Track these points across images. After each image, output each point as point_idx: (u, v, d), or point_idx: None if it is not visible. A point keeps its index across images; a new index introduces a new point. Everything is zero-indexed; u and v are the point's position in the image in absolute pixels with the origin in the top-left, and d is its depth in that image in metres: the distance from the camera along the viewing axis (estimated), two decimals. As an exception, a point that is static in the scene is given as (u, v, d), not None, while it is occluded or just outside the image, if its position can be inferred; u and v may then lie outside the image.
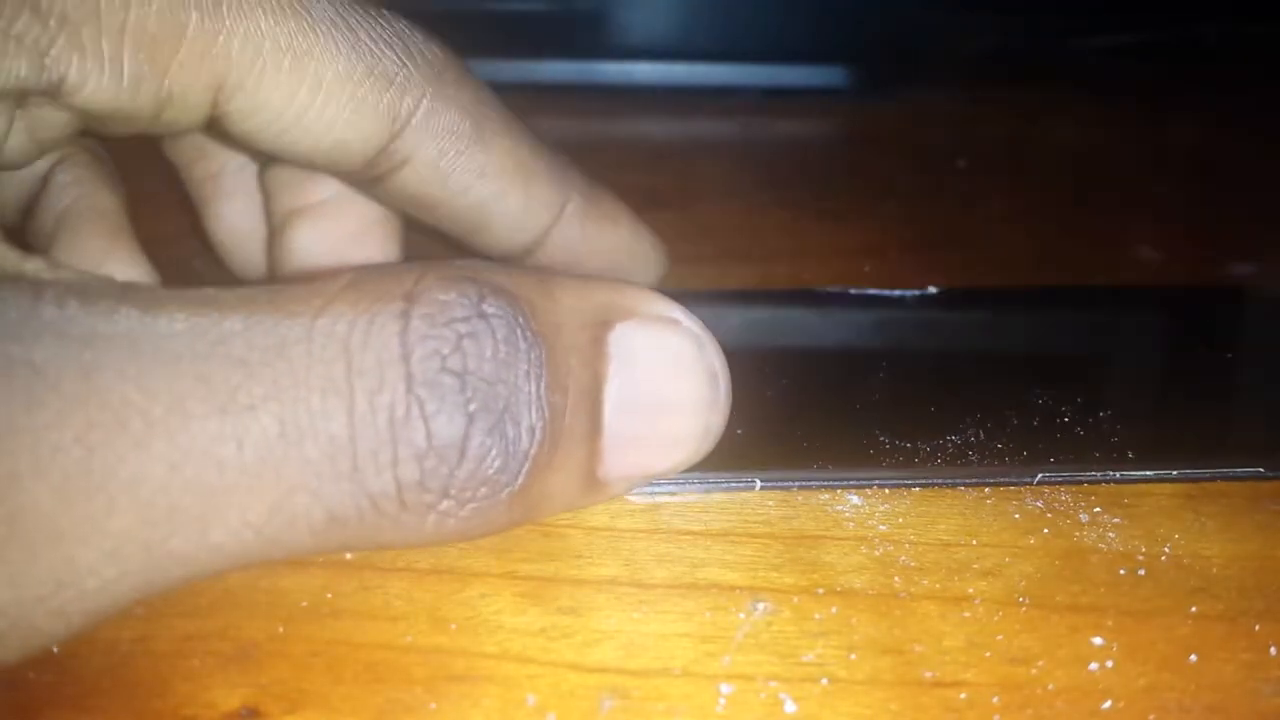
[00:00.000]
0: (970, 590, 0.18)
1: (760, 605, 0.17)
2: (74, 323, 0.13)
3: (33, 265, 0.14)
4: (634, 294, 0.17)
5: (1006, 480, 0.21)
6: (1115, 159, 0.40)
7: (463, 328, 0.14)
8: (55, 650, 0.16)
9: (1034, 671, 0.16)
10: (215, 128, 0.18)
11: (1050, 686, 0.16)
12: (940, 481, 0.20)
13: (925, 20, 0.46)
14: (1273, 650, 0.17)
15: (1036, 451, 0.21)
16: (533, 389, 0.15)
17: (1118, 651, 0.17)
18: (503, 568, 0.18)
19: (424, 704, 0.16)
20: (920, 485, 0.20)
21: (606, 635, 0.17)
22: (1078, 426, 0.22)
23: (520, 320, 0.15)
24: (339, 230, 0.22)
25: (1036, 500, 0.20)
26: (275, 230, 0.23)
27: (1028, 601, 0.18)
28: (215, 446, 0.13)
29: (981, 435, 0.21)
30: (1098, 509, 0.20)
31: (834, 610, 0.17)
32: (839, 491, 0.20)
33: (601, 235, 0.22)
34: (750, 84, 0.44)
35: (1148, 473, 0.21)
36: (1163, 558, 0.19)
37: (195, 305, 0.13)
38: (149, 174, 0.24)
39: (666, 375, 0.16)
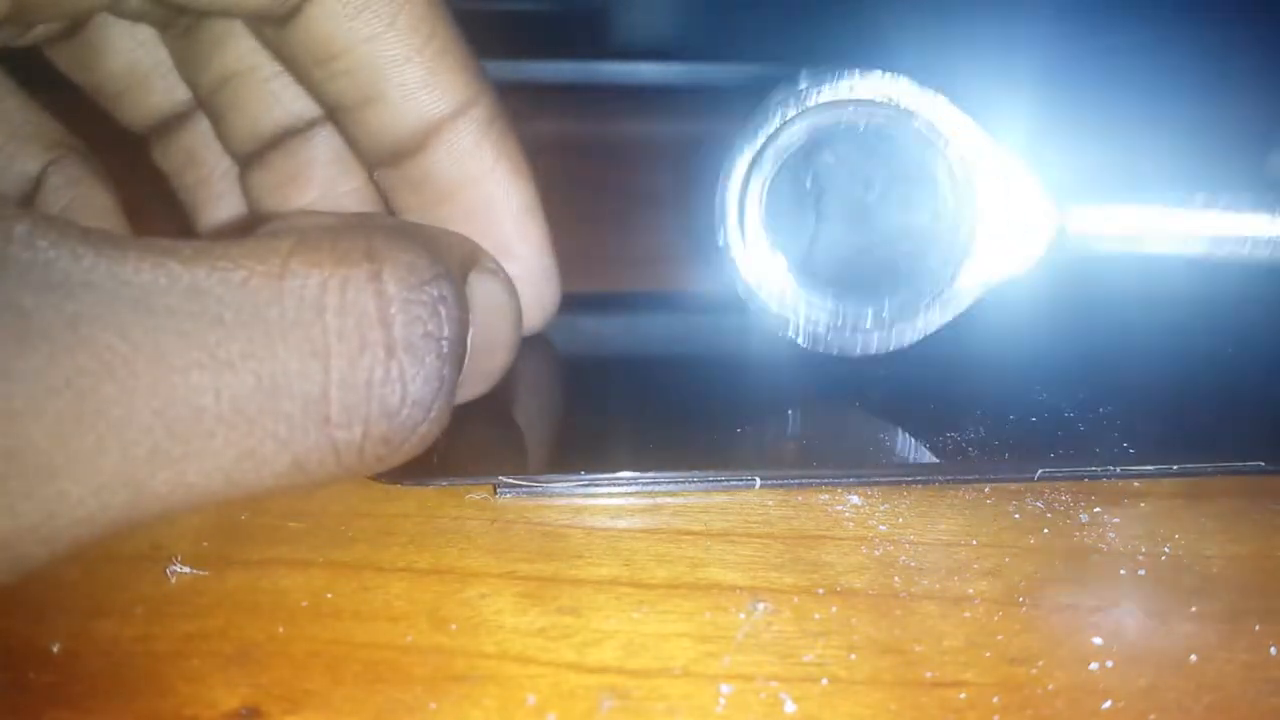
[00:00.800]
0: (970, 590, 0.18)
1: (760, 605, 0.17)
2: (51, 268, 0.13)
3: (4, 201, 0.14)
4: (471, 244, 0.19)
5: (1007, 477, 0.21)
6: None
7: (434, 291, 0.15)
8: (55, 650, 0.16)
9: (1034, 671, 0.16)
10: None
11: (1050, 686, 0.16)
12: (940, 479, 0.20)
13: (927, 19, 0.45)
14: (1273, 650, 0.17)
15: (1037, 448, 0.21)
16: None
17: (1118, 651, 0.17)
18: (503, 568, 0.18)
19: (424, 704, 0.16)
20: (920, 482, 0.20)
21: (606, 635, 0.17)
22: (1079, 423, 0.22)
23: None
24: None
25: (1037, 500, 0.20)
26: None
27: (1028, 601, 0.18)
28: (195, 396, 0.14)
29: (982, 432, 0.21)
30: (1098, 509, 0.20)
31: (834, 610, 0.17)
32: (839, 491, 0.20)
33: (493, 172, 0.22)
34: (750, 84, 0.44)
35: (1148, 468, 0.21)
36: (1163, 558, 0.19)
37: (156, 255, 0.14)
38: (137, 181, 0.24)
39: (493, 321, 0.19)
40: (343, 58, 0.20)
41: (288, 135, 0.23)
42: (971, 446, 0.21)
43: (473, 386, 0.19)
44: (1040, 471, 0.20)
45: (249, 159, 0.23)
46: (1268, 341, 0.25)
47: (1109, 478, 0.21)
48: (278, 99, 0.22)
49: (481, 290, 0.18)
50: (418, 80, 0.20)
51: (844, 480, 0.20)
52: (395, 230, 0.16)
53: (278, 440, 0.14)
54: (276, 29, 0.20)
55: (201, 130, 0.24)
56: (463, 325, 0.16)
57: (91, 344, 0.13)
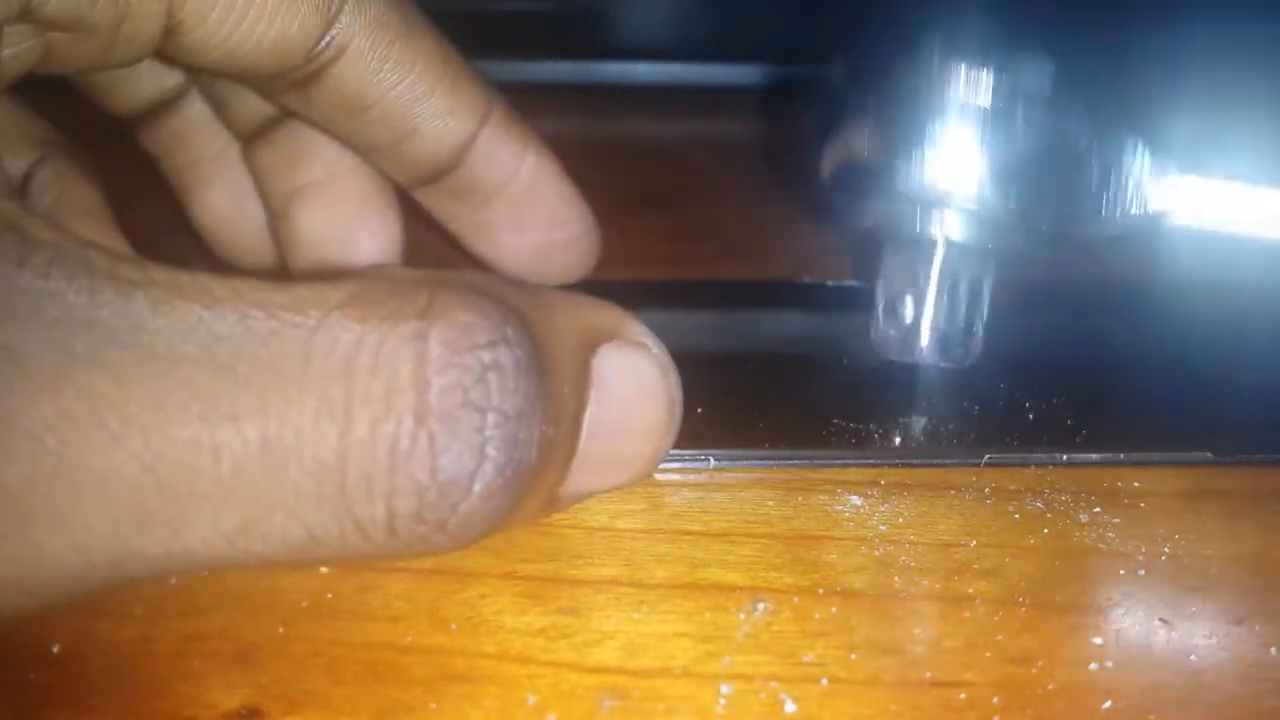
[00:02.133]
0: (970, 590, 0.18)
1: (760, 605, 0.17)
2: (55, 300, 0.12)
3: (33, 223, 0.13)
4: (613, 315, 0.17)
5: (954, 461, 0.21)
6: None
7: (487, 356, 0.13)
8: (55, 650, 0.16)
9: (1034, 671, 0.16)
10: (168, 43, 0.18)
11: (1050, 686, 0.16)
12: (891, 462, 0.21)
13: (926, 18, 0.45)
14: (1273, 650, 0.17)
15: (988, 435, 0.21)
16: (539, 424, 0.14)
17: (1117, 652, 0.17)
18: (503, 568, 0.18)
19: (424, 704, 0.16)
20: (871, 464, 0.21)
21: (606, 635, 0.17)
22: (1031, 413, 0.22)
23: (536, 349, 0.14)
24: (340, 207, 0.23)
25: (1036, 500, 0.20)
26: (277, 214, 0.23)
27: (1028, 601, 0.18)
28: (190, 454, 0.12)
29: (935, 420, 0.22)
30: (1098, 509, 0.20)
31: (834, 610, 0.17)
32: (839, 491, 0.20)
33: (525, 160, 0.22)
34: (750, 84, 0.44)
35: (1093, 455, 0.21)
36: (1163, 558, 0.19)
37: (185, 293, 0.13)
38: (127, 172, 0.24)
39: (635, 401, 0.16)
40: (373, 109, 0.21)
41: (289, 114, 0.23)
42: (925, 434, 0.21)
43: (608, 474, 0.17)
44: (986, 458, 0.21)
45: (253, 138, 0.23)
46: (1220, 331, 0.24)
47: (1055, 464, 0.21)
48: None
49: (616, 364, 0.16)
50: (444, 109, 0.21)
51: (796, 461, 0.21)
52: (474, 288, 0.14)
53: (286, 510, 0.13)
54: (299, 91, 0.20)
55: (192, 114, 0.23)
56: (536, 400, 0.14)
57: (80, 385, 0.12)
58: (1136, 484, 0.21)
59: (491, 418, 0.13)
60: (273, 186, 0.23)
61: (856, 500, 0.20)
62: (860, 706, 0.16)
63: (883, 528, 0.19)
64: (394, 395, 0.13)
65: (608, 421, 0.16)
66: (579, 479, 0.16)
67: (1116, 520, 0.20)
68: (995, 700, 0.16)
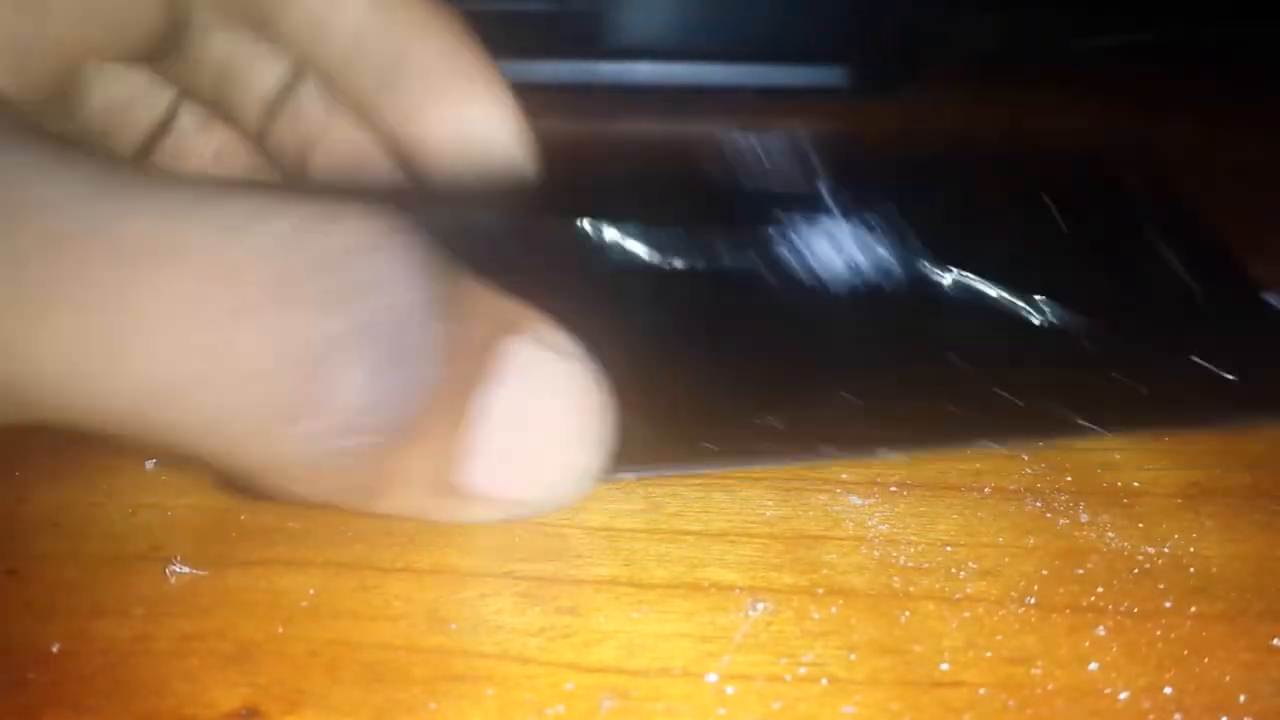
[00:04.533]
0: (970, 590, 0.18)
1: (760, 605, 0.17)
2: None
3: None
4: (545, 323, 0.16)
5: (796, 460, 0.20)
6: (1111, 158, 0.40)
7: (384, 255, 0.14)
8: (54, 650, 0.16)
9: (1034, 671, 0.16)
10: None
11: (1050, 686, 0.16)
12: (721, 467, 0.20)
13: (926, 19, 0.46)
14: (1273, 647, 0.17)
15: (830, 431, 0.20)
16: (431, 336, 0.14)
17: (1117, 651, 0.17)
18: (502, 567, 0.18)
19: (423, 704, 0.15)
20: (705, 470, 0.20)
21: (606, 635, 0.17)
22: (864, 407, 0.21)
23: (439, 278, 0.14)
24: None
25: (1036, 500, 0.20)
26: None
27: (1028, 601, 0.18)
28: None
29: (788, 419, 0.21)
30: (1097, 508, 0.20)
31: (834, 610, 0.17)
32: (838, 491, 0.20)
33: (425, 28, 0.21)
34: (750, 84, 0.44)
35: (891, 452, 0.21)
36: (1162, 558, 0.19)
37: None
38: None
39: (555, 401, 0.16)
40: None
41: (280, 101, 0.23)
42: (773, 433, 0.20)
43: (528, 480, 0.16)
44: (828, 452, 0.20)
45: (259, 135, 0.23)
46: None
47: (884, 458, 0.21)
48: (267, 69, 0.22)
49: (532, 358, 0.16)
50: None
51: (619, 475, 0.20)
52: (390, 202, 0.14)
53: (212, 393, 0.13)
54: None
55: (186, 129, 0.23)
56: (429, 308, 0.14)
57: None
58: (1136, 484, 0.21)
59: (381, 310, 0.14)
60: (288, 171, 0.23)
61: (856, 500, 0.20)
62: (860, 707, 0.16)
63: (883, 527, 0.19)
64: (288, 287, 0.13)
65: (514, 413, 0.16)
66: (483, 471, 0.16)
67: (1116, 520, 0.20)
68: (995, 700, 0.16)
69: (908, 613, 0.17)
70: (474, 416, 0.15)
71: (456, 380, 0.15)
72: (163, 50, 0.22)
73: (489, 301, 0.16)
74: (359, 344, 0.14)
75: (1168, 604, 0.18)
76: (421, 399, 0.15)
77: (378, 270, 0.14)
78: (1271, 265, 0.29)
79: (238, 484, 0.19)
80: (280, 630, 0.17)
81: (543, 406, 0.16)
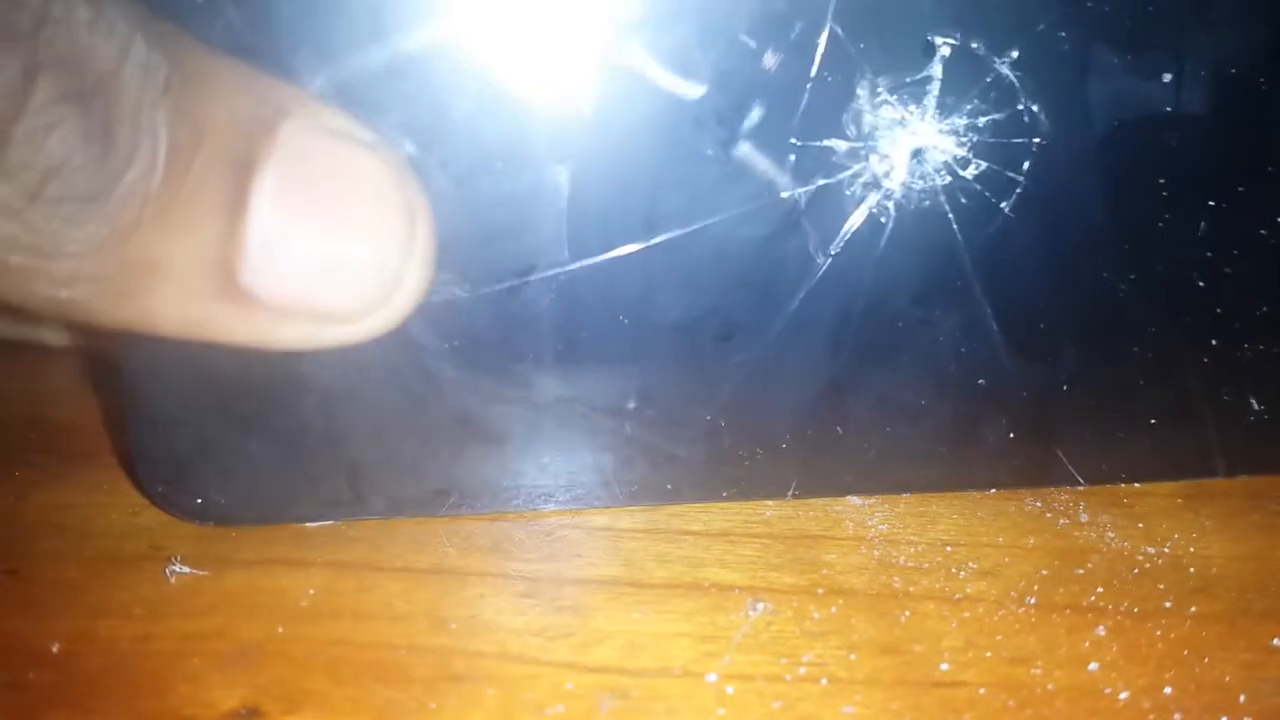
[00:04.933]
0: (970, 590, 0.18)
1: (760, 605, 0.17)
2: None
3: None
4: (327, 107, 0.15)
5: (762, 494, 0.20)
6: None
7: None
8: (55, 650, 0.16)
9: (1034, 671, 0.16)
10: None
11: (1050, 686, 0.16)
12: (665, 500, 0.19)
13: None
14: (1272, 647, 0.17)
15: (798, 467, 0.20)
16: (148, 110, 0.13)
17: (1117, 651, 0.17)
18: (502, 568, 0.18)
19: (424, 704, 0.15)
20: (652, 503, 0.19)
21: (606, 635, 0.17)
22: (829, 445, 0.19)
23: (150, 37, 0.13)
24: None
25: (1035, 500, 0.20)
26: None
27: (1027, 601, 0.18)
28: None
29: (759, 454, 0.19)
30: (1097, 509, 0.20)
31: (834, 610, 0.17)
32: (839, 491, 0.20)
33: None
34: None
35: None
36: (1162, 558, 0.19)
37: None
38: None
39: (345, 188, 0.14)
40: None
41: None
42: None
43: (324, 282, 0.15)
44: (792, 490, 0.20)
45: None
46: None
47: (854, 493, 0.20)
48: None
49: (323, 146, 0.14)
50: None
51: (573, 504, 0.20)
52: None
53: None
54: None
55: None
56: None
57: None
58: (1136, 484, 0.21)
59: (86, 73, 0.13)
60: None
61: (856, 501, 0.20)
62: (860, 706, 0.16)
63: (883, 527, 0.19)
64: None
65: (289, 200, 0.14)
66: (269, 269, 0.14)
67: (1116, 520, 0.20)
68: (995, 700, 0.16)
69: (908, 613, 0.17)
70: (245, 203, 0.14)
71: (217, 163, 0.14)
72: None
73: (251, 80, 0.14)
74: (62, 106, 0.13)
75: (1168, 604, 0.18)
76: (151, 170, 0.13)
77: (78, 36, 0.13)
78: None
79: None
80: (280, 630, 0.17)
81: (326, 196, 0.14)
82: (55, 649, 0.16)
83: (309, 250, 0.14)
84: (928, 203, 0.18)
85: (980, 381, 0.19)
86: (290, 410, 0.18)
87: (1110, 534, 0.19)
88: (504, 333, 0.18)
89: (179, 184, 0.13)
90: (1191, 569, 0.18)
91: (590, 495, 0.19)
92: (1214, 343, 0.19)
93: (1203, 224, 0.18)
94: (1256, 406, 0.20)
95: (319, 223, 0.14)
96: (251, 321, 0.15)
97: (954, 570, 0.18)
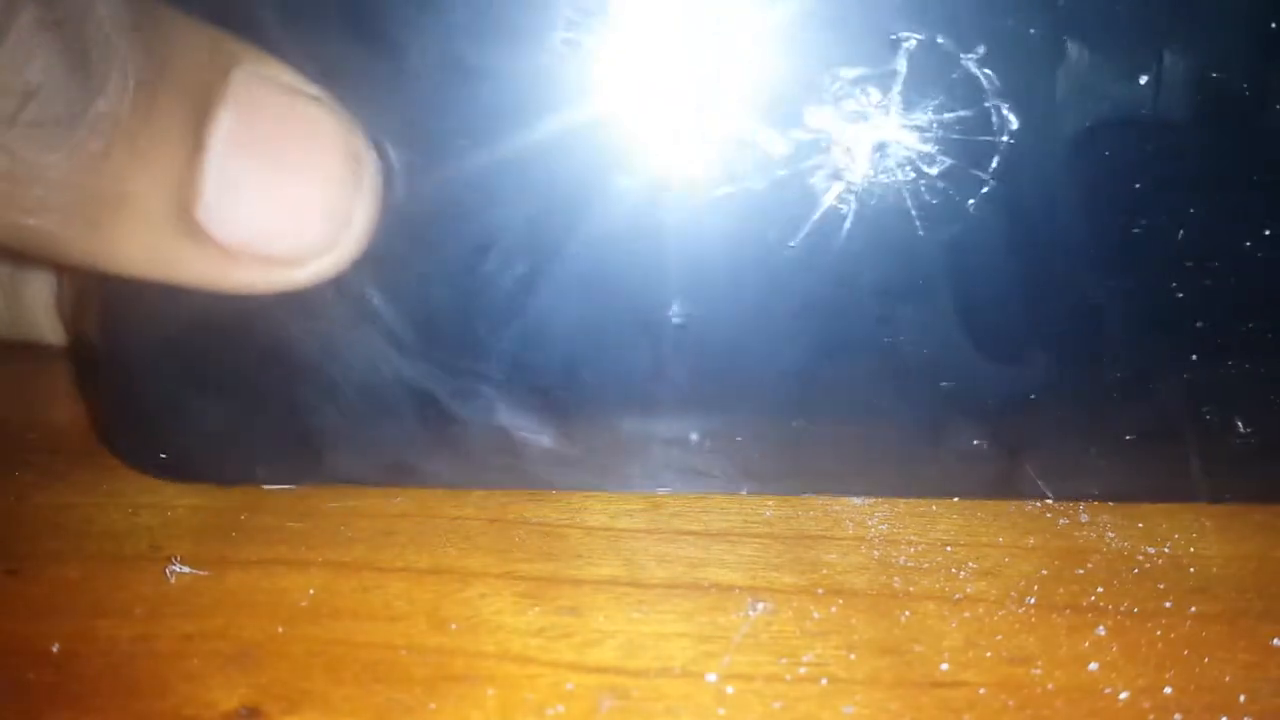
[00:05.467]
0: (970, 590, 0.18)
1: (760, 605, 0.17)
2: None
3: None
4: (273, 60, 0.16)
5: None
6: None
7: None
8: (54, 650, 0.16)
9: (1034, 671, 0.16)
10: None
11: (1050, 686, 0.16)
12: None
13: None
14: (1273, 647, 0.17)
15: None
16: (118, 41, 0.14)
17: (1117, 652, 0.17)
18: (502, 568, 0.18)
19: (424, 704, 0.16)
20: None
21: (606, 635, 0.17)
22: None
23: None
24: None
25: (1035, 500, 0.20)
26: None
27: (1028, 601, 0.18)
28: None
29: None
30: (1097, 509, 0.20)
31: (833, 610, 0.17)
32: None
33: None
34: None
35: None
36: (1162, 558, 0.19)
37: None
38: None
39: (294, 134, 0.15)
40: None
41: None
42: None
43: (279, 220, 0.16)
44: (746, 486, 0.19)
45: None
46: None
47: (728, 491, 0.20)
48: None
49: (271, 95, 0.15)
50: None
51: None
52: None
53: None
54: None
55: None
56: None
57: None
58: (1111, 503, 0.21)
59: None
60: None
61: (856, 500, 0.20)
62: (860, 707, 0.16)
63: (883, 527, 0.19)
64: None
65: (241, 143, 0.15)
66: (227, 207, 0.15)
67: (1116, 520, 0.20)
68: (995, 700, 0.16)
69: (908, 613, 0.17)
70: (203, 143, 0.15)
71: (180, 101, 0.15)
72: None
73: (205, 34, 0.15)
74: (41, 32, 0.13)
75: (1168, 604, 0.18)
76: (121, 98, 0.14)
77: None
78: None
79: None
80: (280, 630, 0.17)
81: (276, 140, 0.15)
82: (55, 649, 0.16)
83: (261, 191, 0.15)
84: (890, 198, 0.17)
85: (943, 384, 0.18)
86: (254, 372, 0.18)
87: (1110, 534, 0.19)
88: (462, 311, 0.18)
89: (145, 117, 0.14)
90: (1191, 569, 0.18)
91: (538, 476, 0.19)
92: (1194, 358, 0.18)
93: (1181, 232, 0.18)
94: (1243, 429, 0.19)
95: (270, 165, 0.15)
96: (207, 260, 0.16)
97: (954, 570, 0.18)
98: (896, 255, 0.18)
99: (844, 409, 0.19)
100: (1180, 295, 0.18)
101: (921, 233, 0.17)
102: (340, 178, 0.16)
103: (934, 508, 0.20)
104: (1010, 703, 0.16)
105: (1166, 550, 0.19)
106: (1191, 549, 0.19)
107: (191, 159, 0.15)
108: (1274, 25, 0.17)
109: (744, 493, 0.20)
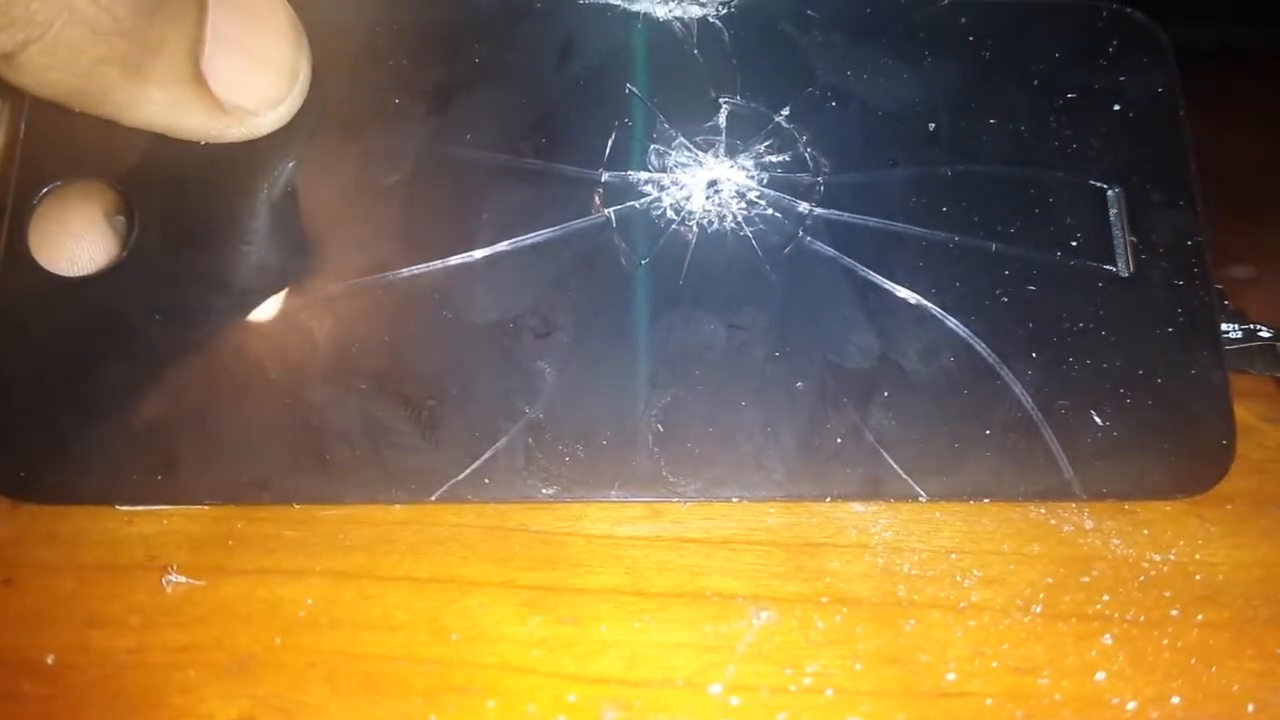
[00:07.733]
0: (975, 598, 0.18)
1: (763, 614, 0.17)
2: None
3: None
4: None
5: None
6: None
7: None
8: (49, 661, 0.16)
9: (1041, 681, 0.16)
10: None
11: (1057, 696, 0.16)
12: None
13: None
14: (1277, 653, 0.17)
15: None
16: None
17: (1124, 660, 0.16)
18: (503, 577, 0.18)
19: (424, 715, 0.15)
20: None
21: (608, 645, 0.17)
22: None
23: None
24: None
25: (1040, 507, 0.20)
26: None
27: (1033, 610, 0.17)
28: None
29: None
30: (1102, 515, 0.20)
31: (838, 619, 0.17)
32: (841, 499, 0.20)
33: None
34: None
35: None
36: (1168, 565, 0.19)
37: None
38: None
39: (256, 27, 0.20)
40: None
41: None
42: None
43: (254, 67, 0.20)
44: (614, 491, 0.19)
45: None
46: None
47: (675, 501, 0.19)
48: None
49: None
50: None
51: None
52: None
53: None
54: None
55: None
56: None
57: None
58: (986, 500, 0.20)
59: None
60: None
61: (859, 508, 0.20)
62: (866, 717, 0.15)
63: (886, 534, 0.19)
64: None
65: (225, 29, 0.19)
66: (221, 57, 0.19)
67: (1121, 526, 0.20)
68: (1002, 710, 0.16)
69: (913, 621, 0.17)
70: (205, 5, 0.19)
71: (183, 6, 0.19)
72: None
73: None
74: None
75: (1174, 612, 0.17)
76: None
77: None
78: (1268, 266, 0.29)
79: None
80: (278, 640, 0.17)
81: (246, 28, 0.20)
82: (50, 660, 0.16)
83: (240, 46, 0.20)
84: (728, 225, 0.20)
85: (799, 385, 0.19)
86: (112, 391, 0.19)
87: (1115, 540, 0.19)
88: (329, 330, 0.19)
89: (163, 10, 0.18)
90: (1198, 576, 0.18)
91: (402, 490, 0.19)
92: (1034, 355, 0.20)
93: (994, 246, 0.20)
94: (1100, 422, 0.20)
95: (244, 19, 0.20)
96: (204, 107, 0.20)
97: (958, 578, 0.18)
98: (738, 271, 0.20)
99: (702, 412, 0.19)
100: (1004, 300, 0.20)
101: (759, 251, 0.20)
102: (293, 39, 0.20)
103: (937, 514, 0.20)
104: (1018, 713, 0.15)
105: (1172, 557, 0.19)
106: (1197, 555, 0.19)
107: (199, 18, 0.19)
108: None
109: (611, 499, 0.20)
